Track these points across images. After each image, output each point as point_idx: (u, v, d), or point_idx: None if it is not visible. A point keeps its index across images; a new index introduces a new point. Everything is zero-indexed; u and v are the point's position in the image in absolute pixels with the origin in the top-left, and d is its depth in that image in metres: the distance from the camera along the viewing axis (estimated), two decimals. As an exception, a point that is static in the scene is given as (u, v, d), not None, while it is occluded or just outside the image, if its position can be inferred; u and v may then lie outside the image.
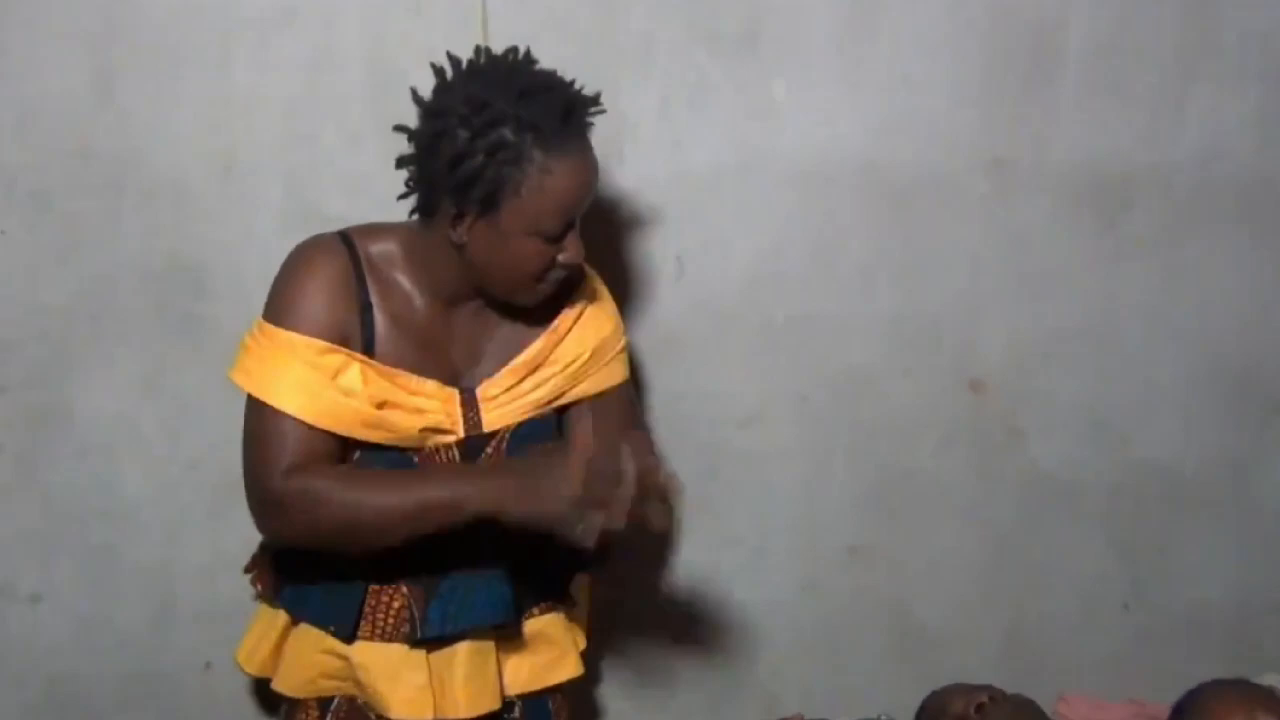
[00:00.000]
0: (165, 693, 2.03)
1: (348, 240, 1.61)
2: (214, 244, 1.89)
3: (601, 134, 1.74)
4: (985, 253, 2.05)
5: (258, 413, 1.57)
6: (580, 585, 1.82)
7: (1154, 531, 2.16)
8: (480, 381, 1.65)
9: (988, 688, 1.84)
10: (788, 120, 1.96)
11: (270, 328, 1.57)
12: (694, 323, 1.99)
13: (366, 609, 1.65)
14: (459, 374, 1.65)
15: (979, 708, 1.78)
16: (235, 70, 1.85)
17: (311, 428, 1.55)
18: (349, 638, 1.65)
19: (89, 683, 2.01)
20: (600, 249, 1.94)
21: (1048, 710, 1.91)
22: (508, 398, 1.65)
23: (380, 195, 1.88)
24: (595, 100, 1.57)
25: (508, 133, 1.49)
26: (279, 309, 1.58)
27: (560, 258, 1.56)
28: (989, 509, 2.12)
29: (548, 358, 1.66)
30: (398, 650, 1.65)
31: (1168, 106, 2.03)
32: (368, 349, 1.59)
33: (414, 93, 1.56)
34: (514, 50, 1.57)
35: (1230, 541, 2.17)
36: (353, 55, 1.87)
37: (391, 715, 1.65)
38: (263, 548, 1.74)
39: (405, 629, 1.63)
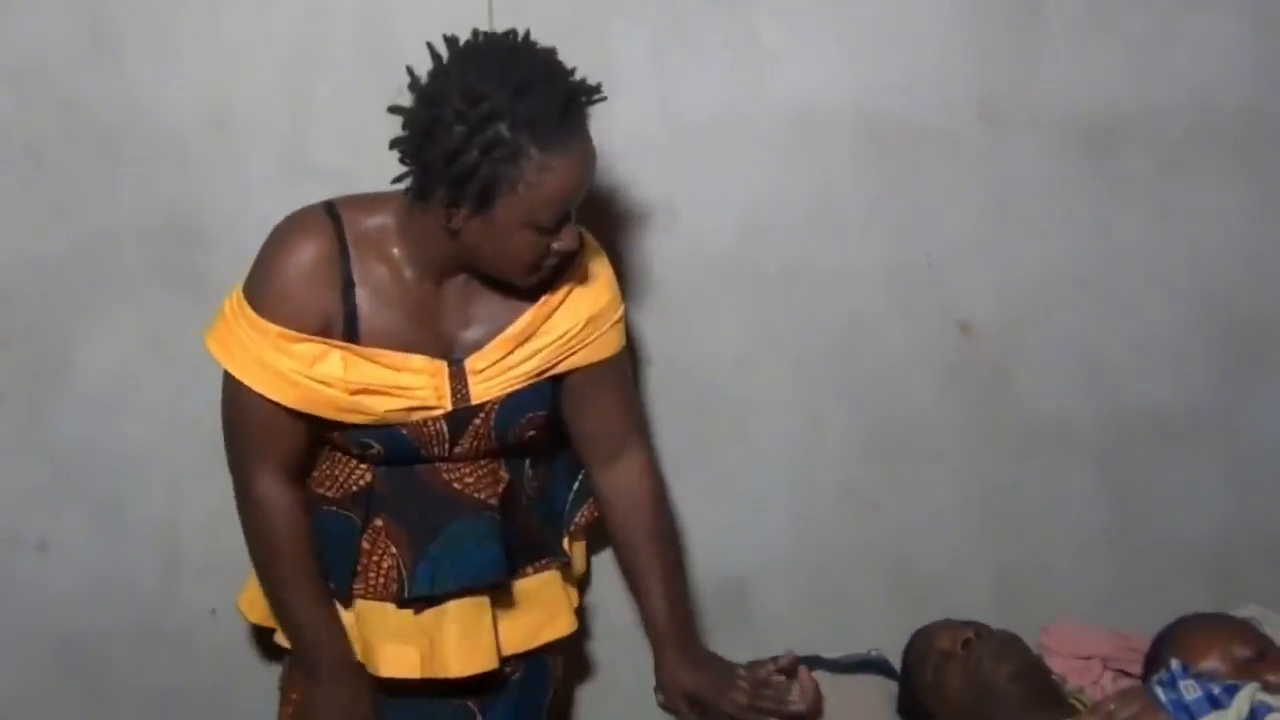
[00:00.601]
0: (172, 640, 2.06)
1: (334, 213, 1.60)
2: (211, 199, 1.90)
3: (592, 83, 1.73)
4: (978, 197, 2.06)
5: (234, 387, 1.60)
6: (568, 544, 1.86)
7: (1141, 470, 2.19)
8: (470, 352, 1.64)
9: (974, 624, 1.88)
10: (779, 69, 1.97)
11: (248, 308, 1.57)
12: (687, 272, 2.01)
13: (359, 567, 1.69)
14: (449, 344, 1.65)
15: (965, 643, 1.82)
16: (229, 23, 1.86)
17: (286, 409, 1.58)
18: (345, 597, 1.70)
19: (97, 631, 2.05)
20: (592, 200, 1.96)
21: (1031, 643, 1.95)
22: (496, 370, 1.64)
23: (376, 148, 1.87)
24: (595, 90, 1.54)
25: (504, 129, 1.45)
26: (258, 292, 1.58)
27: (555, 246, 1.55)
28: (980, 451, 2.14)
29: (538, 329, 1.65)
30: (390, 608, 1.68)
31: (1159, 47, 2.04)
32: (350, 327, 1.58)
33: (410, 73, 1.52)
34: (513, 33, 1.53)
35: (1215, 479, 2.20)
36: (347, 7, 1.87)
37: (380, 673, 1.69)
38: None
39: (394, 588, 1.66)
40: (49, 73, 1.84)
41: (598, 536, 1.94)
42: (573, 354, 1.68)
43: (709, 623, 2.14)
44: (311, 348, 1.56)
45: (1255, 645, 1.72)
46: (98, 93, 1.86)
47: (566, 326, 1.66)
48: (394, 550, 1.67)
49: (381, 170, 1.88)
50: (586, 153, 1.54)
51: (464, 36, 1.53)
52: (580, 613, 1.93)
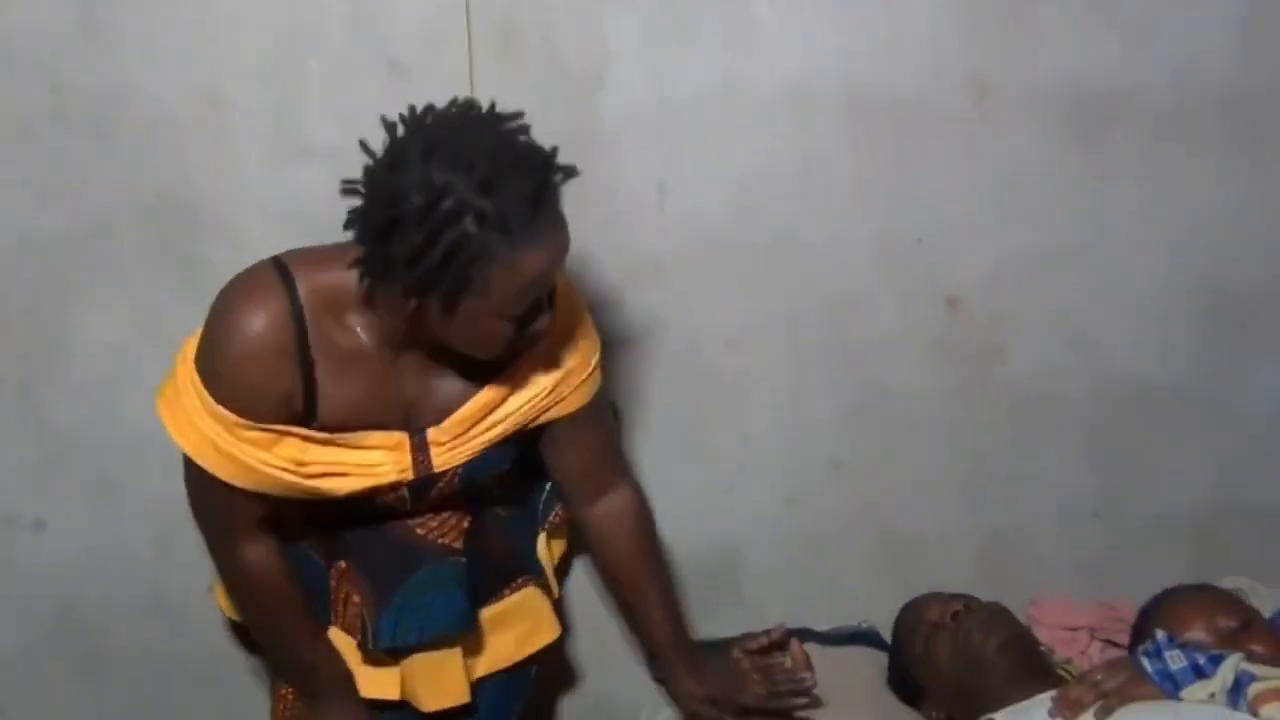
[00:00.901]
0: (167, 615, 2.09)
1: (286, 274, 1.49)
2: (204, 179, 1.90)
3: (583, 60, 1.75)
4: (968, 172, 2.06)
5: (190, 466, 1.56)
6: (542, 544, 1.85)
7: (1128, 441, 2.20)
8: (432, 420, 1.58)
9: (963, 596, 1.90)
10: (770, 44, 1.96)
11: (204, 390, 1.49)
12: (678, 247, 2.01)
13: (331, 599, 1.70)
14: (409, 412, 1.58)
15: (954, 615, 1.84)
16: (220, 2, 1.84)
17: (240, 490, 1.53)
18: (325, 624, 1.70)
19: (94, 606, 2.07)
20: (582, 176, 1.96)
21: (1020, 614, 1.98)
22: (458, 441, 1.59)
23: (370, 124, 1.89)
24: (569, 170, 1.44)
25: (470, 227, 1.34)
26: (211, 373, 1.49)
27: (527, 330, 1.47)
28: (968, 425, 2.16)
29: (505, 399, 1.59)
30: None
31: (1148, 24, 2.03)
32: (309, 405, 1.51)
33: (364, 147, 1.43)
34: (476, 108, 1.44)
35: (1201, 450, 2.21)
36: (336, -17, 1.87)
37: (360, 694, 1.71)
38: None
39: (358, 637, 1.66)
40: (39, 53, 1.83)
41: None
42: (544, 412, 1.63)
43: (700, 597, 2.16)
44: (268, 436, 1.50)
45: (1240, 616, 1.75)
46: (89, 73, 1.85)
47: (535, 390, 1.60)
48: (355, 599, 1.66)
49: (377, 147, 1.90)
50: (560, 240, 1.44)
51: (426, 105, 1.46)
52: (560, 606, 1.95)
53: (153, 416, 1.95)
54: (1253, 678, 1.51)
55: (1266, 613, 1.81)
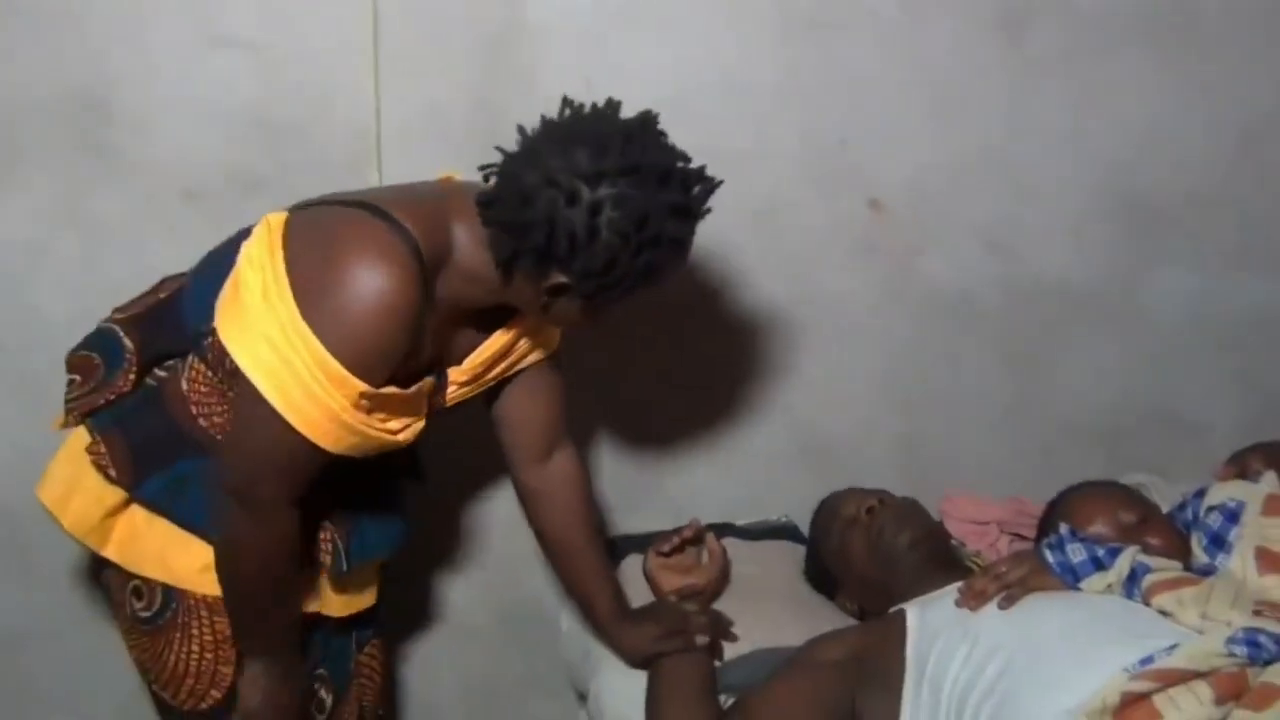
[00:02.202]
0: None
1: (407, 237, 1.45)
2: (119, 68, 1.86)
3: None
4: (892, 75, 2.07)
5: (282, 433, 1.46)
6: None
7: (1042, 343, 2.25)
8: (452, 361, 1.63)
9: (878, 491, 1.95)
10: (698, -55, 1.95)
11: (337, 366, 1.42)
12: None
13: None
14: (440, 355, 1.62)
15: (869, 510, 1.89)
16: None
17: (327, 454, 1.49)
18: None
19: (22, 506, 2.04)
20: (509, 78, 1.95)
21: (933, 509, 2.03)
22: (471, 381, 1.65)
23: (292, 14, 1.87)
24: (710, 185, 1.51)
25: (663, 255, 1.46)
26: (350, 349, 1.42)
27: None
28: (889, 325, 2.19)
29: (511, 347, 1.66)
30: None
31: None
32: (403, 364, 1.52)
33: (534, 150, 1.45)
34: (656, 132, 1.50)
35: (1113, 352, 2.27)
36: None
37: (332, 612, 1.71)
38: (119, 424, 1.62)
39: (329, 560, 1.64)
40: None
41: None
42: (530, 352, 1.70)
43: (626, 496, 2.20)
44: (381, 397, 1.48)
45: (1139, 511, 1.80)
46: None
47: (529, 331, 1.68)
48: (328, 524, 1.64)
49: (297, 38, 1.87)
50: None
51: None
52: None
53: (73, 310, 1.95)
54: (1147, 569, 1.57)
55: (1166, 508, 1.88)
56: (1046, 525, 1.88)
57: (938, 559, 1.82)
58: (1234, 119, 2.19)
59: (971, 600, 1.59)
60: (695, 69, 2.00)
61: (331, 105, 1.93)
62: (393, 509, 1.73)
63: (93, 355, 1.66)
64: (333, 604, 1.71)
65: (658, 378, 2.16)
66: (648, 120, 1.50)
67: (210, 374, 1.58)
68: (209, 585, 1.60)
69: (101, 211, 1.92)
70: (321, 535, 1.64)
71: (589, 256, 1.43)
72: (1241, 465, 1.78)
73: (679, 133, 1.99)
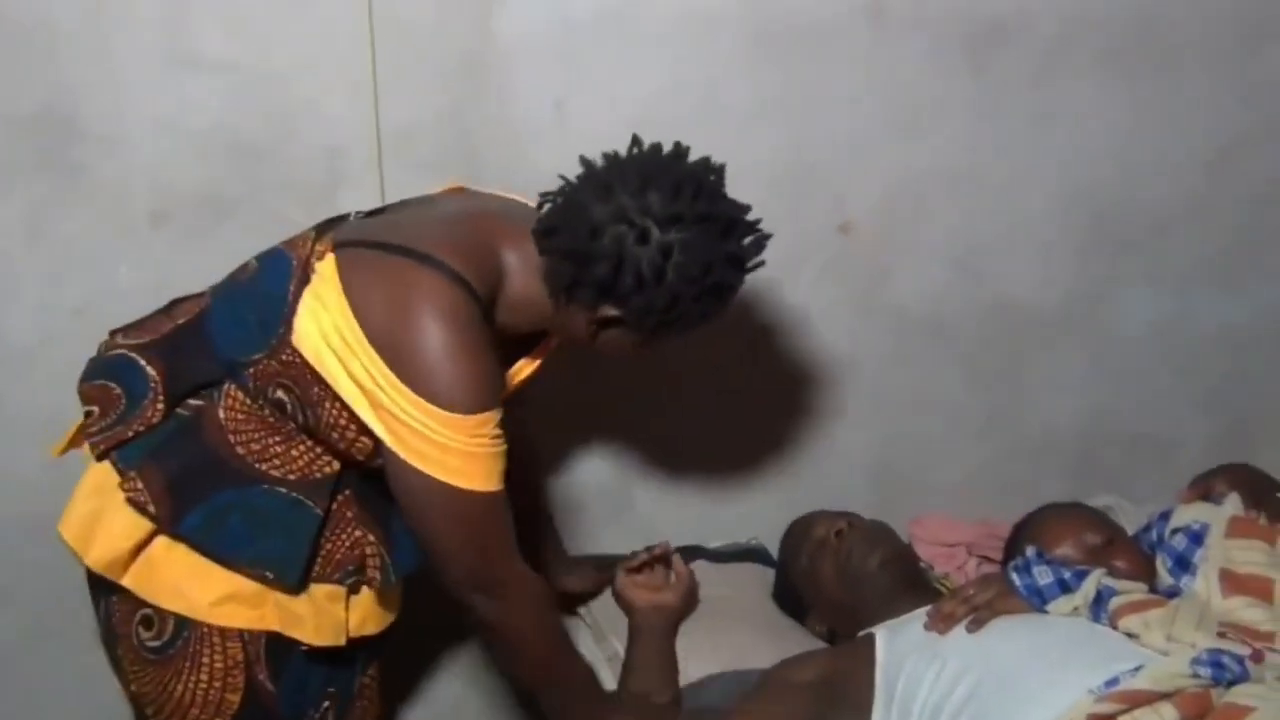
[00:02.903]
0: (57, 535, 2.06)
1: (467, 286, 1.48)
2: (88, 88, 1.85)
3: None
4: (862, 96, 2.08)
5: (454, 498, 1.47)
6: None
7: (1009, 363, 2.27)
8: None
9: (847, 514, 1.96)
10: (669, -34, 1.96)
11: (463, 419, 1.44)
12: (575, 168, 2.00)
13: (322, 553, 1.62)
14: None
15: (838, 533, 1.90)
16: (101, -96, 1.79)
17: (501, 494, 1.52)
18: (295, 584, 1.58)
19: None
20: (481, 98, 1.95)
21: (902, 531, 2.04)
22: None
23: (262, 34, 1.86)
24: (761, 239, 1.59)
25: (717, 302, 1.53)
26: (461, 394, 1.44)
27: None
28: (857, 346, 2.21)
29: (533, 367, 1.67)
30: (329, 588, 1.63)
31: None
32: None
33: (606, 192, 1.50)
34: (722, 181, 1.56)
35: (1079, 371, 2.29)
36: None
37: (312, 642, 1.63)
38: (154, 458, 1.57)
39: (378, 576, 1.63)
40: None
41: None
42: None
43: (596, 516, 2.20)
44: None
45: (1106, 533, 1.82)
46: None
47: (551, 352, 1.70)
48: (371, 537, 1.63)
49: (267, 59, 1.86)
50: None
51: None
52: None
53: (39, 331, 1.94)
54: (1113, 592, 1.58)
55: (1132, 529, 1.89)
56: (1013, 548, 1.89)
57: (907, 582, 1.83)
58: (1198, 141, 2.22)
59: (940, 623, 1.60)
60: (666, 90, 2.01)
61: (301, 126, 1.92)
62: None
63: (110, 385, 1.61)
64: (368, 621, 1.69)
65: (625, 397, 2.16)
66: (714, 168, 1.56)
67: (249, 402, 1.56)
68: (224, 617, 1.58)
69: (68, 231, 1.91)
70: (368, 551, 1.63)
71: (652, 295, 1.49)
72: (1205, 487, 1.80)
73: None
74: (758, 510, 2.23)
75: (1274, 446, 2.30)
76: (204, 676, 1.60)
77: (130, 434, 1.56)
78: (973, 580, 1.71)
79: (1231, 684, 1.40)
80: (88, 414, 1.60)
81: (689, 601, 1.92)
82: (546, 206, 1.56)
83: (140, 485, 1.54)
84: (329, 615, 1.62)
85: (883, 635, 1.66)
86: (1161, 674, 1.40)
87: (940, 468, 2.29)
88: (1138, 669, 1.42)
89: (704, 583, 1.97)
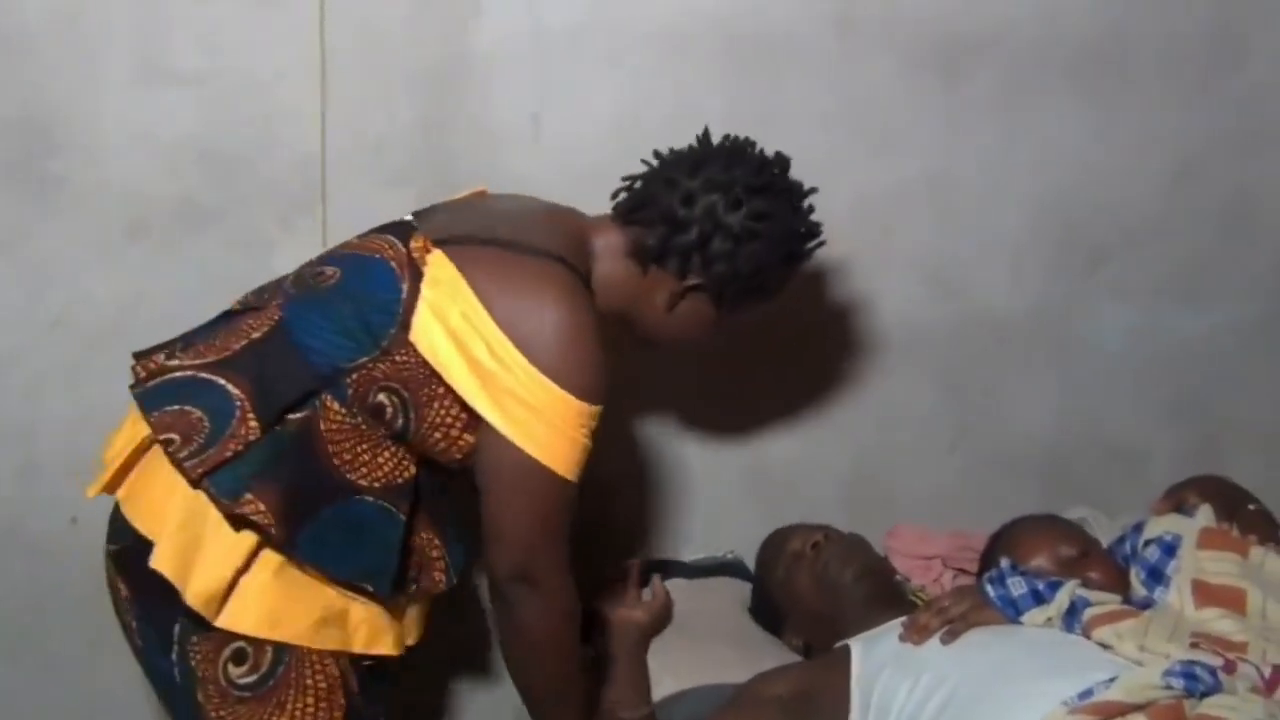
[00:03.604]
0: (30, 546, 2.05)
1: (579, 274, 1.59)
2: (62, 99, 1.85)
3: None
4: (833, 111, 2.10)
5: (542, 479, 1.52)
6: None
7: (981, 375, 2.28)
8: None
9: (823, 527, 1.96)
10: (643, -20, 1.97)
11: (584, 405, 1.51)
12: (551, 182, 1.99)
13: (414, 563, 1.61)
14: None
15: (814, 545, 1.91)
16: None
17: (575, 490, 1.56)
18: (387, 596, 1.57)
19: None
20: (455, 108, 1.96)
21: (877, 544, 2.05)
22: None
23: (236, 46, 1.86)
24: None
25: (790, 273, 1.68)
26: (579, 377, 1.51)
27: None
28: (832, 358, 2.22)
29: None
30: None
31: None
32: None
33: (699, 165, 1.62)
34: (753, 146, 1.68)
35: (1051, 384, 2.30)
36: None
37: (390, 653, 1.62)
38: (263, 478, 1.49)
39: (442, 579, 1.64)
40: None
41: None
42: None
43: (573, 528, 2.18)
44: None
45: (1079, 545, 1.83)
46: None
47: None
48: (437, 541, 1.63)
49: (241, 70, 1.86)
50: None
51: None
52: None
53: (15, 342, 1.93)
54: (1087, 603, 1.59)
55: (1106, 542, 1.90)
56: (988, 559, 1.90)
57: (883, 594, 1.84)
58: (1165, 156, 2.24)
59: (915, 635, 1.61)
60: (640, 102, 2.02)
61: (276, 136, 1.92)
62: (460, 523, 1.70)
63: (188, 409, 1.52)
64: (411, 632, 1.68)
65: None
66: (783, 157, 1.68)
67: (344, 412, 1.53)
68: (322, 639, 1.55)
69: (44, 242, 1.90)
70: (433, 554, 1.63)
71: (740, 261, 1.61)
72: (1177, 499, 1.82)
73: (625, 166, 2.02)
74: (734, 522, 2.22)
75: (1244, 457, 2.31)
76: (309, 701, 1.55)
77: (229, 454, 1.48)
78: (947, 592, 1.72)
79: (1204, 695, 1.41)
80: (167, 442, 1.50)
81: (661, 619, 1.92)
82: (626, 190, 1.67)
83: (262, 507, 1.48)
84: (395, 624, 1.63)
85: (858, 647, 1.66)
86: (1135, 685, 1.41)
87: (914, 480, 2.30)
88: (1111, 680, 1.42)
89: (681, 596, 1.97)
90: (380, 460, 1.56)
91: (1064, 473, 2.34)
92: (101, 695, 2.11)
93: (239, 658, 1.53)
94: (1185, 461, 2.21)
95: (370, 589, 1.55)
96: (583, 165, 2.01)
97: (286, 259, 1.92)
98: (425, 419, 1.55)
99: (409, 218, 1.65)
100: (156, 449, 1.54)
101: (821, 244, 1.71)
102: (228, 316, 1.63)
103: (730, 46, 2.02)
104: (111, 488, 1.61)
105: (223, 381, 1.53)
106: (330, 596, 1.55)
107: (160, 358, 1.59)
